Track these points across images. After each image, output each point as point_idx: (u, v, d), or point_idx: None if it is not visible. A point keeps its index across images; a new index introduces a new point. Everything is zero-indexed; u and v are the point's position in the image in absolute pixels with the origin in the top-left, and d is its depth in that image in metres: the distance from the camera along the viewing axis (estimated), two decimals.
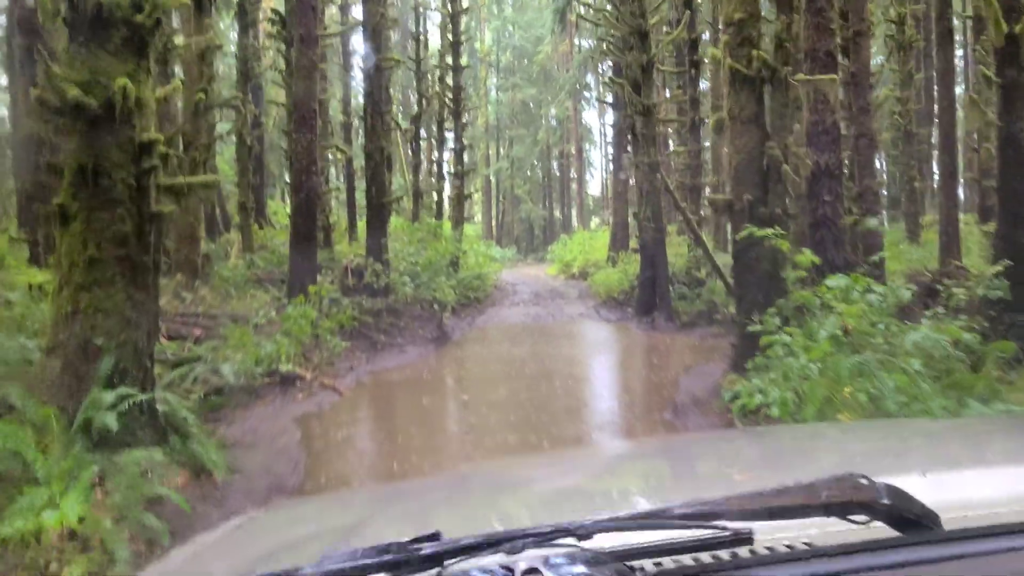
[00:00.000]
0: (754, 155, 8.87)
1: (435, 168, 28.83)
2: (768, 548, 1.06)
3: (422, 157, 28.46)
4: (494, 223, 47.26)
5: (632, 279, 22.55)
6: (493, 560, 1.02)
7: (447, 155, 28.39)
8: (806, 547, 1.08)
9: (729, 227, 31.69)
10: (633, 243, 29.42)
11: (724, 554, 1.06)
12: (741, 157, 8.93)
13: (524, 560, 1.00)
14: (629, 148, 30.27)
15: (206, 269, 19.24)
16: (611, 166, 44.85)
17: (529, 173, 48.50)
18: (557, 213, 50.47)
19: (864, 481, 1.09)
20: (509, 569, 0.99)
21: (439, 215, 27.09)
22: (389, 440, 9.03)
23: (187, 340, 13.48)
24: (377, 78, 18.03)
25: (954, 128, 17.66)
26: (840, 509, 1.07)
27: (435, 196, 28.61)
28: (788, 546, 1.09)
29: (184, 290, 15.41)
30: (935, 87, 34.17)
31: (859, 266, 12.82)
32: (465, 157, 26.26)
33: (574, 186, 51.41)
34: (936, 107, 21.66)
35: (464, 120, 25.62)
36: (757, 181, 8.88)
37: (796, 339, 6.58)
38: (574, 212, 49.67)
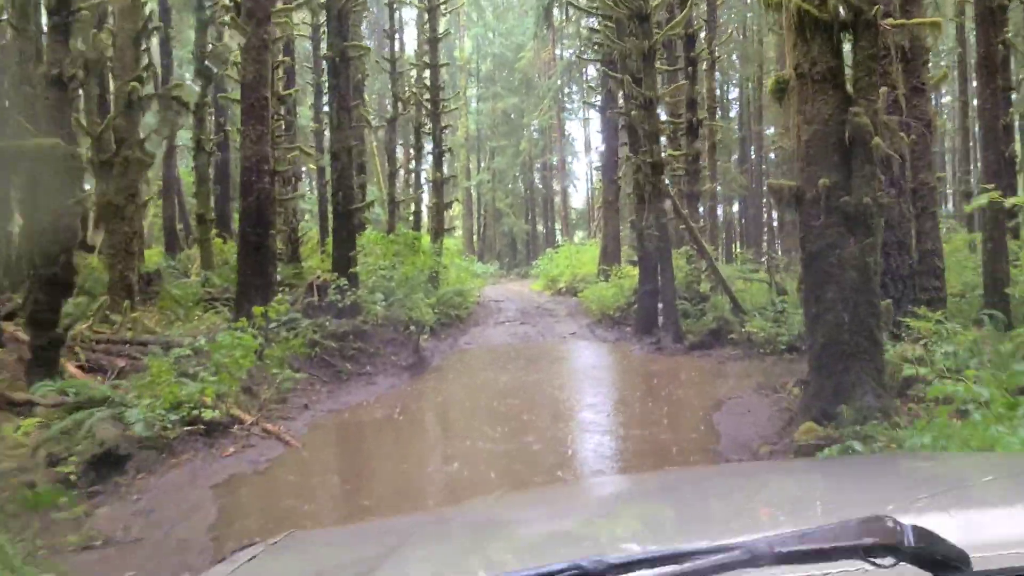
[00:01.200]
0: (831, 125, 6.40)
1: (412, 177, 26.32)
2: None
3: (399, 165, 25.91)
4: (475, 238, 44.69)
5: (629, 294, 20.10)
6: None
7: (425, 163, 25.89)
8: None
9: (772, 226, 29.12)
10: (627, 255, 27.04)
11: None
12: (813, 129, 6.45)
13: None
14: (619, 153, 27.94)
15: (155, 287, 16.64)
16: (596, 175, 42.48)
17: (511, 186, 45.96)
18: (540, 227, 47.99)
19: (890, 523, 1.02)
20: None
21: (417, 227, 24.56)
22: (343, 518, 6.44)
23: (108, 374, 10.86)
24: (343, 69, 15.50)
25: (997, 120, 15.28)
26: (864, 552, 1.00)
27: (413, 207, 26.09)
28: None
29: (115, 312, 12.77)
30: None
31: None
32: (445, 165, 23.73)
33: (557, 200, 49.03)
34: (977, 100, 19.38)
35: (443, 123, 23.11)
36: (836, 160, 6.41)
37: (992, 389, 4.14)
38: (558, 226, 47.22)
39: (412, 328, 14.80)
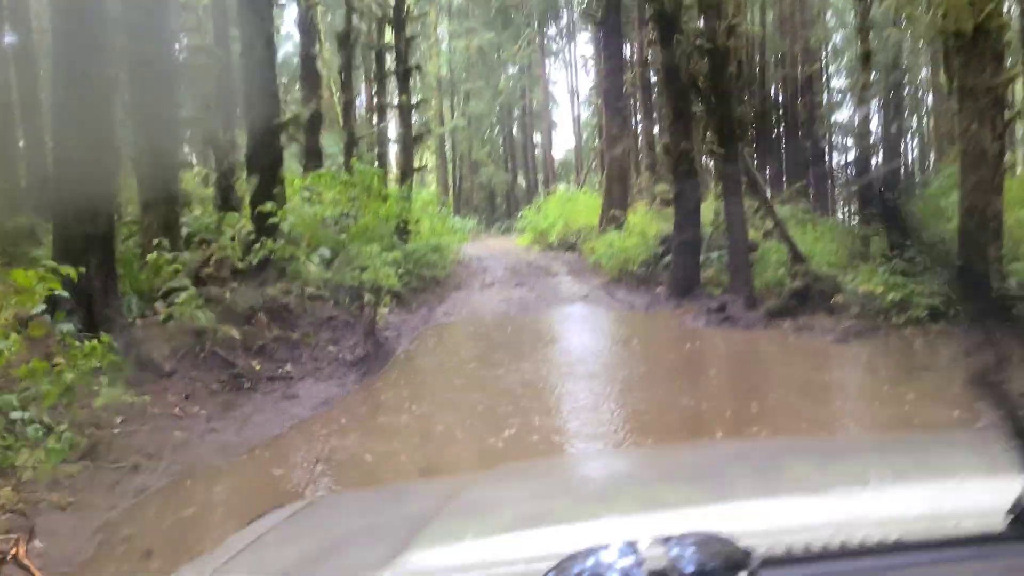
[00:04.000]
0: None
1: (375, 109, 20.62)
2: None
3: (356, 94, 20.19)
4: (451, 192, 39.04)
5: (655, 245, 14.81)
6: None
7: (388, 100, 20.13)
8: None
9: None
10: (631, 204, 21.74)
11: None
12: None
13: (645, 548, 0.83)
14: (624, 76, 22.52)
15: None
16: (585, 117, 36.88)
17: (487, 135, 40.20)
18: (521, 180, 42.36)
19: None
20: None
21: (383, 168, 18.91)
22: None
23: None
24: None
25: None
26: None
27: (376, 148, 20.41)
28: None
29: None
30: None
31: None
32: (413, 91, 18.06)
33: (538, 152, 43.36)
34: None
35: (409, 34, 17.41)
36: None
37: None
38: (540, 177, 41.59)
39: (367, 298, 9.37)
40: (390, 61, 18.60)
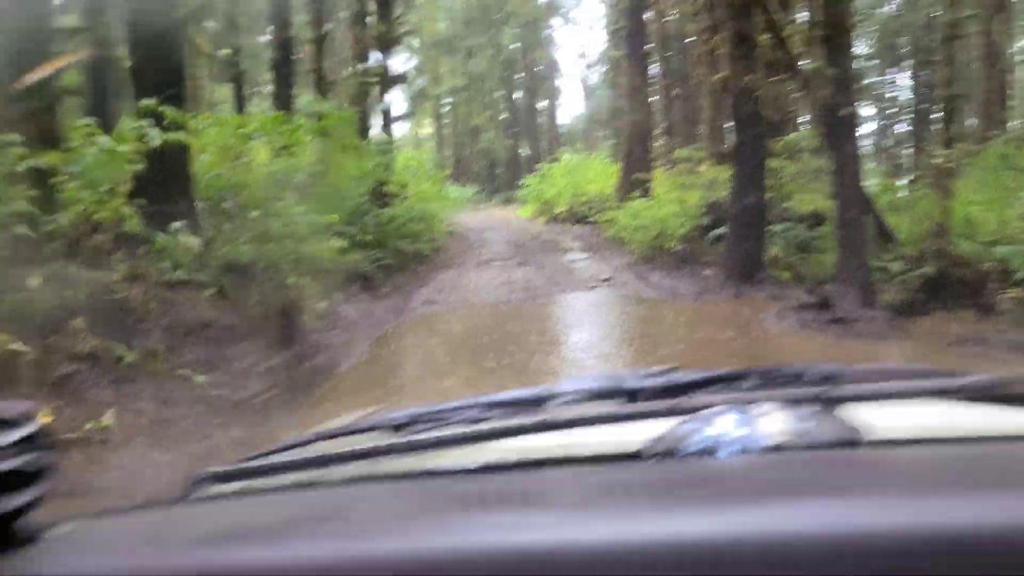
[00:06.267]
0: None
1: (355, 55, 16.89)
2: None
3: (324, 31, 16.41)
4: (449, 159, 35.25)
5: (698, 216, 11.26)
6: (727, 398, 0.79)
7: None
8: None
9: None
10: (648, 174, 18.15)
11: None
12: None
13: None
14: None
15: None
16: (594, 78, 32.91)
17: (488, 98, 36.30)
18: (523, 148, 38.57)
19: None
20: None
21: (364, 121, 15.23)
22: None
23: None
24: None
25: None
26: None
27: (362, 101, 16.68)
28: None
29: None
30: None
31: None
32: (396, 16, 14.28)
33: (542, 120, 39.53)
34: None
35: None
36: None
37: None
38: (544, 146, 37.77)
39: (290, 281, 5.80)
40: None
